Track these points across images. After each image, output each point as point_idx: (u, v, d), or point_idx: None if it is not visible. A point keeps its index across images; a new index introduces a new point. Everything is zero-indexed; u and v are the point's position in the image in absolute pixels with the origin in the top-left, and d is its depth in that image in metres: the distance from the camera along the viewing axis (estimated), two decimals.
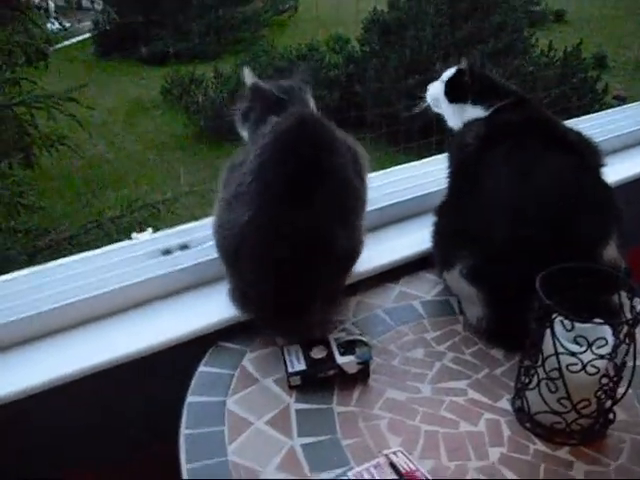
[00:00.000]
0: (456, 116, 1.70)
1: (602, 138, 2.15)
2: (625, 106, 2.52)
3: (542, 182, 1.44)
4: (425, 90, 1.81)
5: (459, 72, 1.72)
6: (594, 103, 8.66)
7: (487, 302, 1.45)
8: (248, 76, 1.60)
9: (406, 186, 1.87)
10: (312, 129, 1.44)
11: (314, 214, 1.33)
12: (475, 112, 1.65)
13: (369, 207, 1.66)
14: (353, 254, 1.43)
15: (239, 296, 1.42)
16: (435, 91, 1.77)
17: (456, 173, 1.60)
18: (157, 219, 5.33)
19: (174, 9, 10.15)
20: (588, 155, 1.55)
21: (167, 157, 7.94)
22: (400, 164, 2.07)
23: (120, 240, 1.73)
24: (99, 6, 8.55)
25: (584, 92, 8.65)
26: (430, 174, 1.88)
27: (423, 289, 1.62)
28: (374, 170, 1.96)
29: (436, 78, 1.81)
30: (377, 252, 1.66)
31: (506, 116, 1.59)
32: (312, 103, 1.60)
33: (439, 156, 1.80)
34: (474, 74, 1.69)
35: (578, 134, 1.60)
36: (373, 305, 1.57)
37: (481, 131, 1.57)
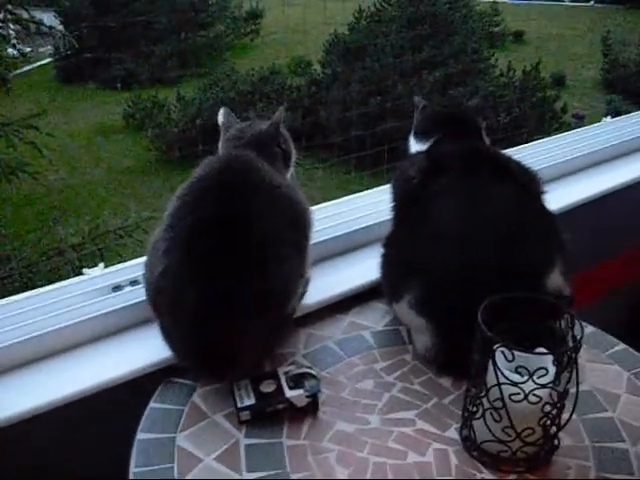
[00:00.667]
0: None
1: (544, 165, 2.21)
2: (565, 133, 2.58)
3: (485, 212, 1.48)
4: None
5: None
6: (553, 122, 8.83)
7: (435, 332, 1.47)
8: (221, 115, 1.62)
9: (355, 216, 1.90)
10: (239, 172, 1.45)
11: (227, 261, 1.33)
12: (417, 145, 1.70)
13: (319, 238, 1.69)
14: (277, 298, 1.41)
15: (167, 343, 1.43)
16: None
17: (400, 206, 1.63)
18: (119, 245, 5.32)
19: (136, 33, 10.17)
20: (529, 183, 1.59)
21: (130, 182, 7.93)
22: (363, 187, 2.10)
23: (82, 267, 1.74)
24: (59, 32, 8.52)
25: (543, 111, 8.82)
26: (379, 204, 1.91)
27: (373, 319, 1.64)
28: (335, 196, 1.99)
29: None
30: (327, 283, 1.69)
31: (446, 148, 1.63)
32: (285, 145, 1.60)
33: (386, 186, 1.83)
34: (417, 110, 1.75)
35: (518, 163, 1.64)
36: (323, 337, 1.58)
37: (423, 164, 1.61)
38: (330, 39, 9.40)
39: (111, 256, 5.04)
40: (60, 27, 8.56)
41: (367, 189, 2.09)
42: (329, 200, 2.01)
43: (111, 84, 9.80)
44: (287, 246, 1.43)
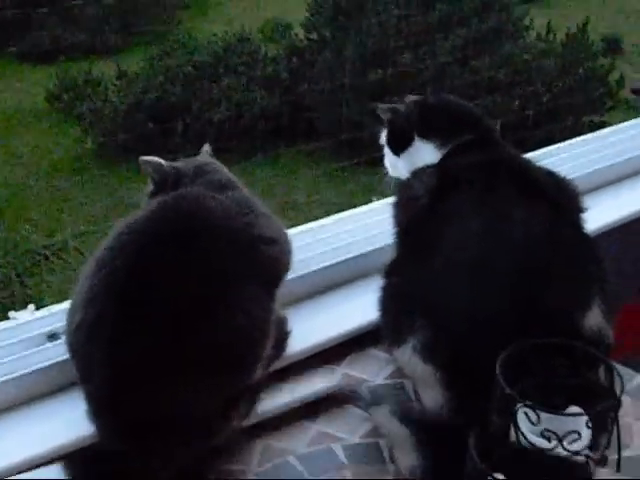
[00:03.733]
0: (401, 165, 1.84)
1: (582, 172, 2.31)
2: (610, 128, 2.68)
3: (507, 239, 1.59)
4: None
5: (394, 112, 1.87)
6: (606, 99, 8.94)
7: (446, 384, 1.57)
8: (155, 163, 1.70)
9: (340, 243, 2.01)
10: (184, 215, 1.56)
11: (150, 328, 1.45)
12: (425, 156, 1.79)
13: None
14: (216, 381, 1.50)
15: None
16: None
17: (405, 232, 1.73)
18: (45, 269, 5.36)
19: None
20: (564, 203, 1.70)
21: (56, 184, 7.94)
22: (361, 181, 2.19)
23: None
24: None
25: (593, 85, 8.92)
26: (375, 225, 2.02)
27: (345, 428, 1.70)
28: (324, 197, 2.08)
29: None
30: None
31: (463, 159, 1.73)
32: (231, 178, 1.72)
33: (388, 200, 1.91)
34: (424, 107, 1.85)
35: (551, 176, 1.75)
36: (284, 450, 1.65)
37: (432, 181, 1.71)
38: None
39: (35, 284, 5.09)
40: None
41: (364, 187, 2.18)
42: (315, 203, 2.10)
43: (29, 56, 9.83)
44: (241, 311, 1.51)
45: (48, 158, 8.39)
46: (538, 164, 1.82)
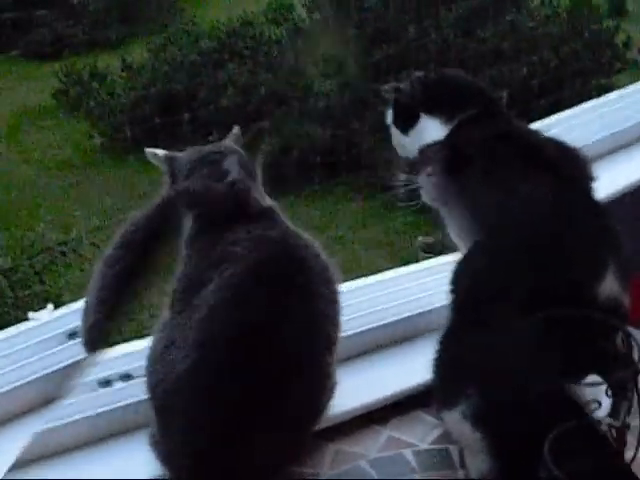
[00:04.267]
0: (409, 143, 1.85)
1: (592, 139, 2.30)
2: (620, 91, 2.66)
3: (517, 217, 1.59)
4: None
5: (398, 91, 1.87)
6: (614, 61, 8.89)
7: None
8: (157, 156, 1.70)
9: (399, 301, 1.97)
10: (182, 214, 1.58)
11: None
12: (431, 133, 1.79)
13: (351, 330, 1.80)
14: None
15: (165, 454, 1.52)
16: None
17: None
18: (62, 265, 5.37)
19: None
20: (572, 173, 1.70)
21: (69, 179, 7.96)
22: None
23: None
24: None
25: (600, 48, 8.86)
26: (432, 284, 1.98)
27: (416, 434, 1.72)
28: None
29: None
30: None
31: (469, 134, 1.73)
32: (252, 165, 1.70)
33: (447, 258, 1.88)
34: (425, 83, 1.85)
35: (558, 146, 1.74)
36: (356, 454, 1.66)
37: (440, 157, 1.71)
38: None
39: (54, 281, 5.10)
40: None
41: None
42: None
43: (34, 53, 9.84)
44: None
45: (58, 154, 8.41)
46: (546, 134, 1.82)
